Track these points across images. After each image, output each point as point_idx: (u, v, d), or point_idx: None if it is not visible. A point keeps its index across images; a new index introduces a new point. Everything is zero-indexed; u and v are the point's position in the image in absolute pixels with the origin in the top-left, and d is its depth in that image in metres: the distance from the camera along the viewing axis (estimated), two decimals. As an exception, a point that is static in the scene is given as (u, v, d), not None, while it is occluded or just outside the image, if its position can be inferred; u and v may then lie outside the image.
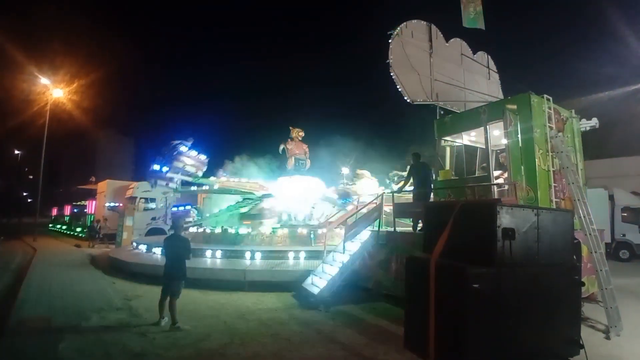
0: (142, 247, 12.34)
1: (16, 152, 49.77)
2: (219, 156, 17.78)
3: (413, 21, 10.06)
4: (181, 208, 22.76)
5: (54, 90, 24.50)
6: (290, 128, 16.11)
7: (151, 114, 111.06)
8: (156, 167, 22.92)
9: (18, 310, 6.67)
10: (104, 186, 24.75)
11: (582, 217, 6.52)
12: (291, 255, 9.67)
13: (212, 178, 14.85)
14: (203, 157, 14.07)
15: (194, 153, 13.67)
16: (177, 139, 13.41)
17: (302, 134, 16.12)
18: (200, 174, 14.03)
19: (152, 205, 22.09)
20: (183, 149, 13.24)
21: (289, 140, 15.89)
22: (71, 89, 26.43)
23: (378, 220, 8.48)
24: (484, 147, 8.54)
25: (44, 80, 24.39)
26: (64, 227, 32.12)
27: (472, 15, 10.68)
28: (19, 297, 7.63)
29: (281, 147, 15.79)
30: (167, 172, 13.14)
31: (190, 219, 19.49)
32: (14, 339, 5.32)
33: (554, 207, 6.95)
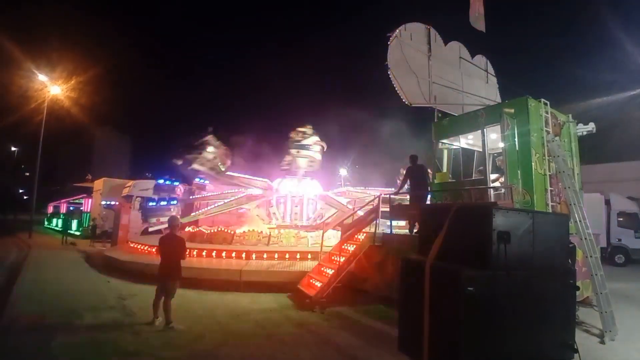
0: (138, 246, 12.26)
1: (13, 148, 49.65)
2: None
3: (412, 24, 10.09)
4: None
5: (51, 87, 24.39)
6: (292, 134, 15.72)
7: (149, 113, 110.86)
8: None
9: (11, 308, 6.61)
10: (100, 184, 24.63)
11: (578, 221, 6.54)
12: (287, 255, 9.65)
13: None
14: (227, 149, 13.89)
15: (220, 144, 13.46)
16: (199, 131, 13.20)
17: (303, 134, 15.75)
18: (223, 168, 13.83)
19: (149, 204, 21.96)
20: (210, 139, 13.04)
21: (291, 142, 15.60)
22: (69, 86, 26.32)
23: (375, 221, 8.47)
24: (481, 150, 8.57)
25: (41, 77, 24.29)
26: (59, 224, 31.96)
27: (477, 15, 10.74)
28: (12, 294, 7.58)
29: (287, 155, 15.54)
30: (190, 163, 12.92)
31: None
32: (6, 336, 5.28)
33: (550, 211, 6.98)
